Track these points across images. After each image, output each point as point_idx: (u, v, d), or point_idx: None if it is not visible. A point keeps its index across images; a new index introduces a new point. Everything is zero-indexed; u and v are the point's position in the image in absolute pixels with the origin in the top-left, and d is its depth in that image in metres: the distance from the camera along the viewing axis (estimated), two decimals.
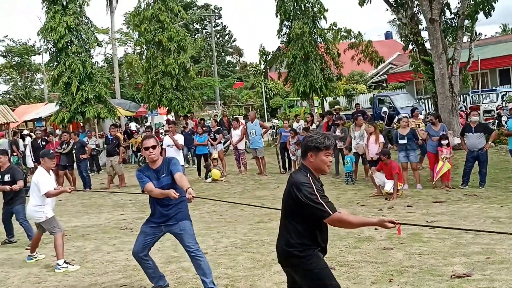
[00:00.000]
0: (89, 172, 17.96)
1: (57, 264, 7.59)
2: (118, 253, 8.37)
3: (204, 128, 18.00)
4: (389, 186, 11.27)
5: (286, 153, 17.09)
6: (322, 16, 26.46)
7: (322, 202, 3.88)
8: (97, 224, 10.97)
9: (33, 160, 18.49)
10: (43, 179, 7.88)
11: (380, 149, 12.27)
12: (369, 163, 13.02)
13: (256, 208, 11.48)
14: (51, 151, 8.80)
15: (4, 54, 44.71)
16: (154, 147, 6.01)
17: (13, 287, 6.95)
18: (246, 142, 18.24)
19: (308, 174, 4.02)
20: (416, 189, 12.11)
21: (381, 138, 12.99)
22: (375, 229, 8.54)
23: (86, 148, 17.03)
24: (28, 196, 9.93)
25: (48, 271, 7.59)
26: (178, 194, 5.79)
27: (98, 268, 7.53)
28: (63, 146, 16.52)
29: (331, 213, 3.86)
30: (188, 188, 5.63)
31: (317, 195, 3.90)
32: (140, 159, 21.43)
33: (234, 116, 27.06)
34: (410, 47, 20.21)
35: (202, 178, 16.94)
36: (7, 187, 9.25)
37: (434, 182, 12.09)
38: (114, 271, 7.32)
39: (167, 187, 5.86)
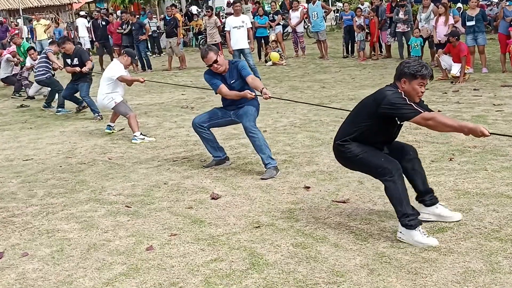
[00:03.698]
0: (149, 54, 18.12)
1: (134, 136, 7.90)
2: (179, 129, 8.57)
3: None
4: (455, 69, 10.82)
5: (349, 37, 16.61)
6: None
7: (412, 104, 3.83)
8: (159, 103, 11.20)
9: (94, 40, 18.74)
10: (119, 68, 8.10)
11: (449, 31, 11.67)
12: (436, 46, 12.49)
13: (316, 91, 11.39)
14: (136, 54, 8.92)
15: None
16: (216, 61, 5.88)
17: (80, 156, 7.29)
18: (307, 25, 17.75)
19: (399, 90, 3.94)
20: (483, 73, 11.61)
21: (451, 20, 12.31)
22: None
23: (144, 28, 17.06)
24: (94, 75, 10.25)
25: (113, 144, 7.89)
26: (254, 94, 5.86)
27: (160, 142, 7.75)
28: (124, 27, 16.60)
29: (421, 111, 3.80)
30: (262, 88, 5.70)
31: (406, 98, 3.85)
32: (201, 42, 21.36)
33: None
34: None
35: (262, 61, 16.79)
36: (78, 69, 9.68)
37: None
38: (176, 145, 7.53)
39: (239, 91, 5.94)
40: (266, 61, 16.47)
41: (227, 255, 3.98)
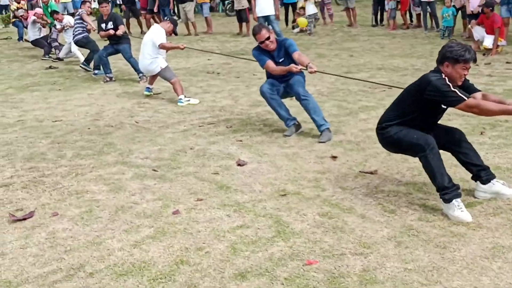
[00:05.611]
0: (175, 18, 18.00)
1: (180, 99, 8.00)
2: (205, 94, 8.56)
3: None
4: (488, 41, 10.57)
5: (378, 5, 16.29)
6: None
7: (455, 90, 3.81)
8: (185, 68, 11.18)
9: (121, 3, 18.65)
10: (160, 34, 8.09)
11: (483, 1, 11.35)
12: (468, 17, 12.19)
13: (344, 59, 11.24)
14: (177, 20, 8.87)
15: None
16: (269, 38, 5.94)
17: (108, 119, 7.33)
18: None
19: (442, 74, 3.91)
20: None
21: None
22: None
23: None
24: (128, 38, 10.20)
25: (140, 107, 7.92)
26: (299, 67, 5.88)
27: (187, 107, 7.76)
28: None
29: (466, 99, 3.79)
30: (308, 63, 5.78)
31: (450, 85, 3.83)
32: (228, 7, 21.16)
33: None
34: None
35: (289, 28, 16.59)
36: (112, 31, 9.77)
37: None
38: (202, 111, 7.52)
39: None
40: (293, 27, 16.27)
41: (253, 222, 3.99)
